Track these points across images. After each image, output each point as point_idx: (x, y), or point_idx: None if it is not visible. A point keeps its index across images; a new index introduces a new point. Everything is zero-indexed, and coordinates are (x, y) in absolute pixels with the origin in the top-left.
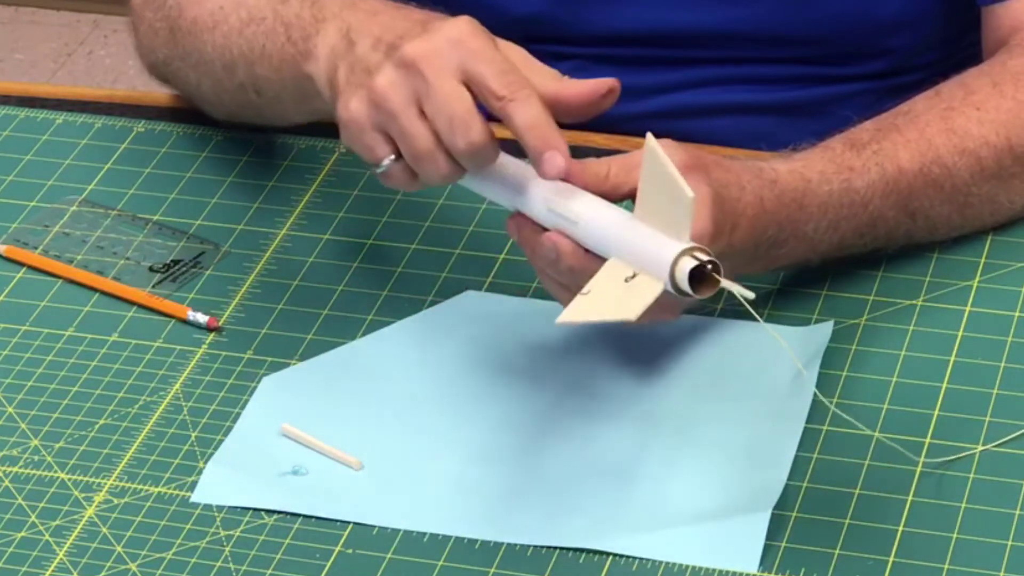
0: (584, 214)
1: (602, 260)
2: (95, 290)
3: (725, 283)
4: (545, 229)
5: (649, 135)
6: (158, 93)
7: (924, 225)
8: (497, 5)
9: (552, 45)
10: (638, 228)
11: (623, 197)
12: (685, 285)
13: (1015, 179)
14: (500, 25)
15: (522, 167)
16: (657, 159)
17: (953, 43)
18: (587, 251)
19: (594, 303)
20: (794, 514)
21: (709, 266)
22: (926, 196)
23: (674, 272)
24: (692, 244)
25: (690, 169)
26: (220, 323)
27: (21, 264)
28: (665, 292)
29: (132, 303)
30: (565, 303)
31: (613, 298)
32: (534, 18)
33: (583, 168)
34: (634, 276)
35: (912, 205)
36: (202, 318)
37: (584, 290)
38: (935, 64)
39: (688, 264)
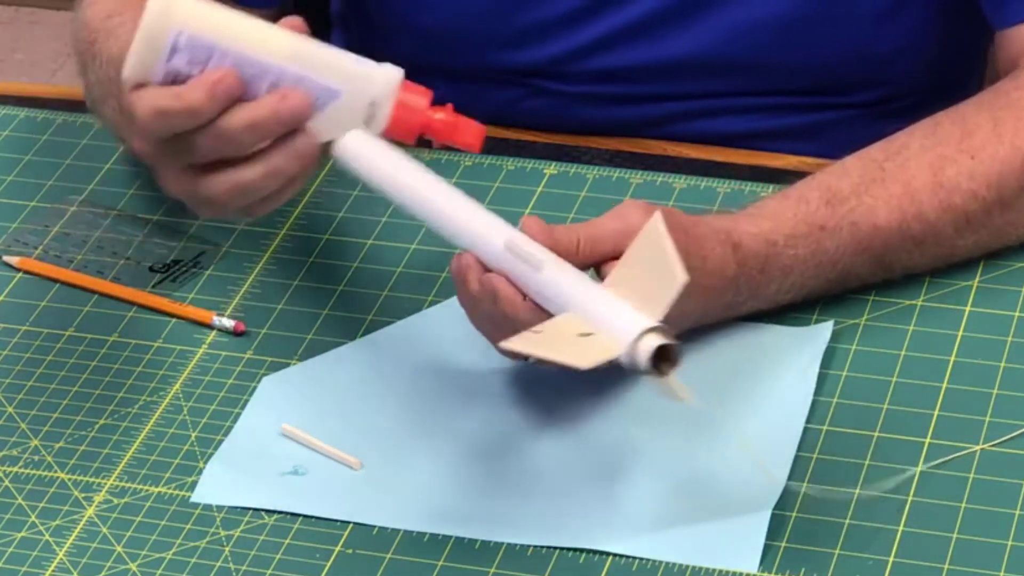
0: (549, 261)
1: (545, 315)
2: (95, 292)
3: (672, 380)
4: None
5: (658, 214)
6: None
7: (903, 273)
8: (506, 58)
9: (549, 81)
10: (606, 292)
11: (586, 268)
12: (645, 359)
13: (1007, 227)
14: (508, 73)
15: (479, 208)
16: (658, 236)
17: (948, 67)
18: (525, 300)
19: (546, 341)
20: (794, 514)
21: (674, 351)
22: (904, 250)
23: (637, 345)
24: (663, 325)
25: None
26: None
27: (29, 273)
28: (617, 360)
29: (133, 303)
30: (493, 341)
31: (566, 344)
32: (534, 65)
33: (554, 239)
34: (590, 335)
35: (888, 259)
36: (228, 323)
37: (536, 328)
38: (929, 90)
39: (654, 341)
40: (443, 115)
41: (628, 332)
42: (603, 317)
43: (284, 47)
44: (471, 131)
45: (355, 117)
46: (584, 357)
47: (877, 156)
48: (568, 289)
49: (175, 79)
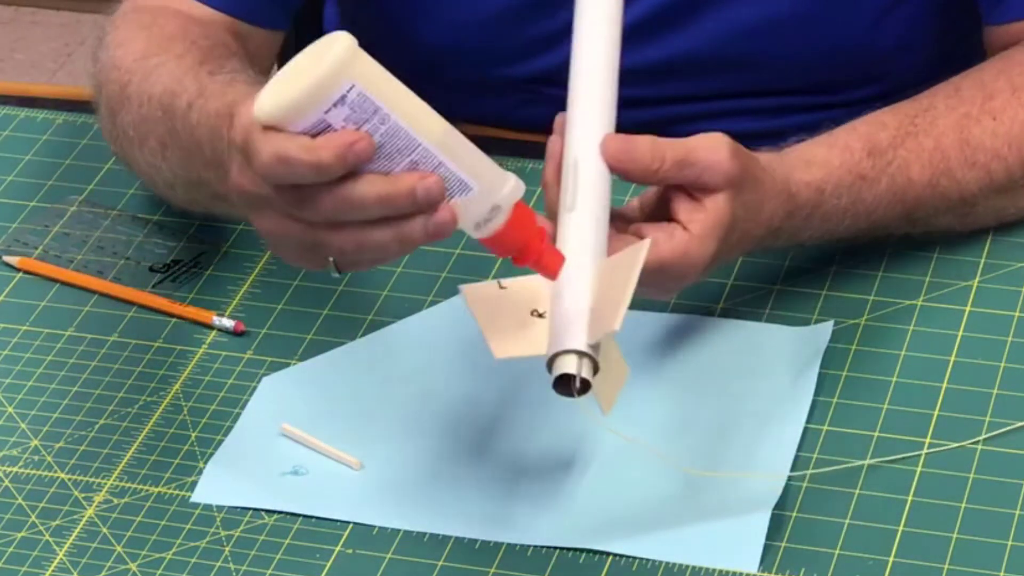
0: (581, 210)
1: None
2: (95, 292)
3: (582, 401)
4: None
5: (647, 242)
6: None
7: (923, 229)
8: (507, 70)
9: (549, 88)
10: (588, 276)
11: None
12: (552, 377)
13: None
14: (508, 83)
15: (603, 108)
16: (632, 268)
17: (947, 62)
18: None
19: (493, 306)
20: (794, 514)
21: (579, 383)
22: (931, 206)
23: (554, 361)
24: (589, 351)
25: (728, 186)
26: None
27: (31, 273)
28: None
29: (133, 303)
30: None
31: (508, 322)
32: (534, 75)
33: (632, 155)
34: (541, 316)
35: (916, 215)
36: (228, 323)
37: (505, 282)
38: (928, 85)
39: (565, 368)
40: (541, 240)
41: (554, 343)
42: (561, 303)
43: (437, 130)
44: (556, 261)
45: (474, 215)
46: (504, 344)
47: (908, 111)
48: (568, 248)
49: (319, 132)
